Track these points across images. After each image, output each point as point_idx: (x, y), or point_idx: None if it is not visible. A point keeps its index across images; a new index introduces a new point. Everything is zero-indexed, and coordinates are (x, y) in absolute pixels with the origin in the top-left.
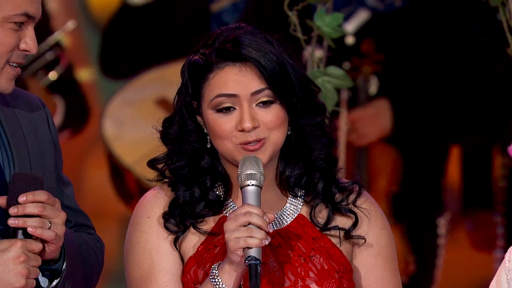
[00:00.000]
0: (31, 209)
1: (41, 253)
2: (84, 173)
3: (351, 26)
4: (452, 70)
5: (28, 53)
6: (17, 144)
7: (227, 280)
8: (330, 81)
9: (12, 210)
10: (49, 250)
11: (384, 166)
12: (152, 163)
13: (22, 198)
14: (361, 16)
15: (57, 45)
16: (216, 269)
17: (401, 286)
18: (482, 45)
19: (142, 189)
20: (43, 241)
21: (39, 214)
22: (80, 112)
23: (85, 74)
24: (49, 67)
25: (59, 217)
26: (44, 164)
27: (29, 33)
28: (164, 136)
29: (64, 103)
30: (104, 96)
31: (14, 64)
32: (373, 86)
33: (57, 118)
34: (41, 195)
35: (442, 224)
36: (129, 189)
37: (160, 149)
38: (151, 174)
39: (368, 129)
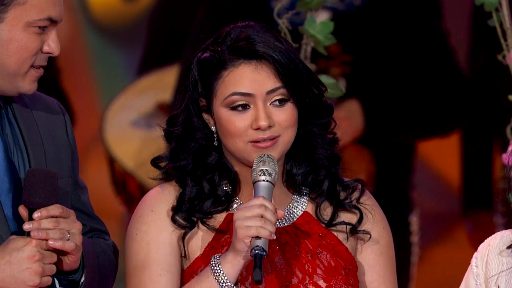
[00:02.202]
0: (46, 225)
1: (61, 264)
2: (84, 174)
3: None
4: (414, 66)
5: (51, 55)
6: (34, 147)
7: (229, 269)
8: None
9: (27, 226)
10: (69, 261)
11: (358, 167)
12: (155, 162)
13: (36, 214)
14: (321, 17)
15: None
16: (218, 258)
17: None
18: (442, 38)
19: (144, 193)
20: (63, 253)
21: (54, 228)
22: None
23: None
24: None
25: (75, 228)
26: (61, 169)
27: (52, 35)
28: (168, 134)
29: None
30: (103, 97)
31: (37, 66)
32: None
33: None
34: (55, 209)
35: (414, 221)
36: (130, 193)
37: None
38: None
39: (340, 132)
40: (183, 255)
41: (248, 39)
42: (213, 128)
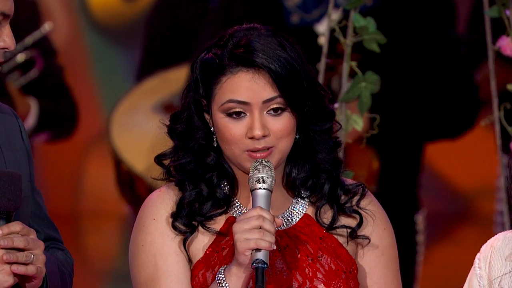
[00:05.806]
0: (17, 242)
1: (24, 286)
2: (85, 174)
3: (323, 27)
4: (425, 67)
5: (7, 50)
6: None
7: (234, 283)
8: (367, 86)
9: (2, 243)
10: (33, 283)
11: (363, 166)
12: (158, 159)
13: None
14: (333, 17)
15: (33, 47)
16: (222, 273)
17: (401, 287)
18: (453, 42)
19: None
20: (25, 276)
21: (24, 248)
22: (65, 116)
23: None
24: (25, 68)
25: (39, 248)
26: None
27: (6, 30)
28: (171, 131)
29: (38, 105)
30: (103, 96)
31: None
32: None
33: (30, 120)
34: (16, 226)
35: (420, 220)
36: (139, 195)
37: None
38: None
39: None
40: (187, 259)
41: (248, 47)
42: (212, 128)
